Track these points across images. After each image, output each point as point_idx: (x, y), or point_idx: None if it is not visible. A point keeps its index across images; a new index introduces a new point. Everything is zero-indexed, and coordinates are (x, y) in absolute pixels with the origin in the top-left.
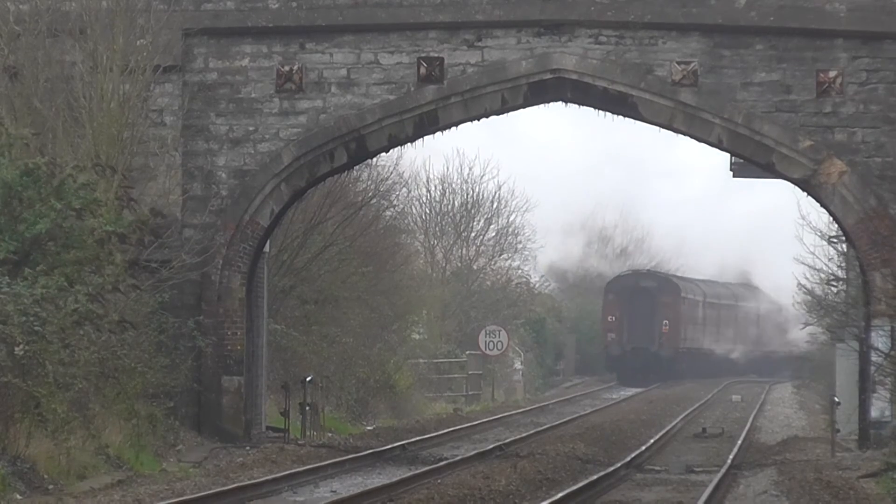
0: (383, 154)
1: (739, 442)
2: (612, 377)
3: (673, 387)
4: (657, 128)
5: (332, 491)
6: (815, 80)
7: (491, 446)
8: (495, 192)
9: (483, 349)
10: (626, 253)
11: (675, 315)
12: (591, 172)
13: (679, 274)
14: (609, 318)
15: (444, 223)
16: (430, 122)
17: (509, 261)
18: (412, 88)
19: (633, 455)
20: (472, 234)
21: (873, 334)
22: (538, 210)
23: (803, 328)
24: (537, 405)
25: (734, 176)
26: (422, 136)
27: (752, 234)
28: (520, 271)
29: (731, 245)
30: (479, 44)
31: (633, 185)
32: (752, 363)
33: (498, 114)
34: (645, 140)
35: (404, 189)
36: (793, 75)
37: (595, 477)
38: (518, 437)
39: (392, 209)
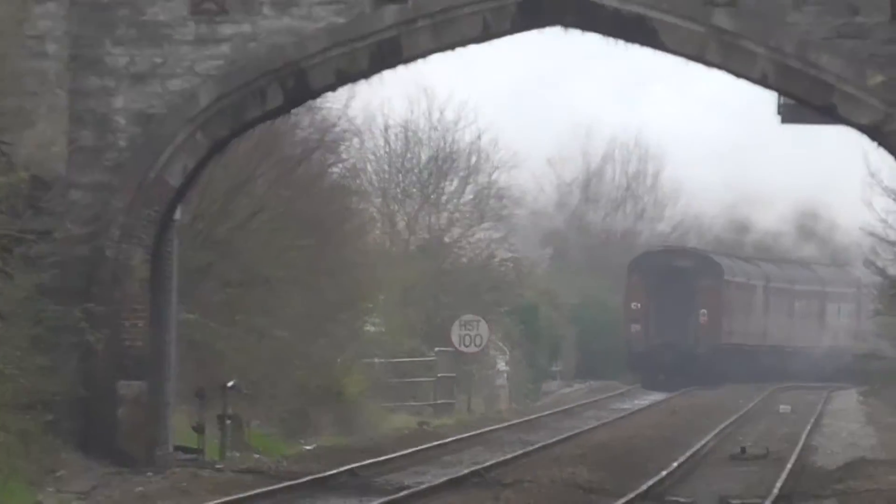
0: (330, 94)
1: (789, 466)
2: (626, 381)
3: (704, 393)
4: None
5: None
6: None
7: (466, 471)
8: (474, 143)
9: (457, 345)
10: (645, 216)
11: (717, 303)
12: (589, 112)
13: (723, 251)
14: (633, 305)
15: (407, 183)
16: (389, 54)
17: (491, 231)
18: (367, 10)
19: (650, 483)
20: (444, 198)
21: None
22: (528, 164)
23: (873, 318)
24: (526, 418)
25: (783, 121)
26: (379, 72)
27: (808, 194)
28: (506, 245)
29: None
30: None
31: (649, 130)
32: (817, 365)
33: (478, 42)
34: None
35: (356, 139)
36: None
37: None
38: (501, 459)
39: (341, 165)
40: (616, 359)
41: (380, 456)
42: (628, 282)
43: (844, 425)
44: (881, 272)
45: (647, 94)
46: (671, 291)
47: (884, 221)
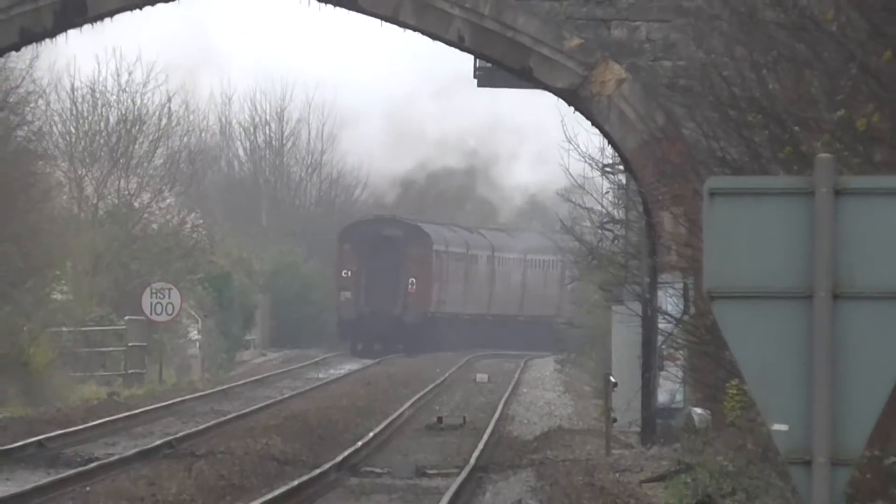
0: (13, 53)
1: (486, 436)
2: (323, 350)
3: (402, 362)
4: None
5: None
6: None
7: (158, 442)
8: (164, 106)
9: (148, 314)
10: (340, 182)
11: (426, 272)
12: (285, 74)
13: (443, 220)
14: (343, 272)
15: (95, 146)
16: (75, 12)
17: (183, 196)
18: None
19: (346, 453)
20: (134, 161)
21: (660, 293)
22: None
23: (570, 284)
24: (220, 387)
25: (479, 85)
26: (65, 30)
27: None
28: (198, 210)
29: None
30: None
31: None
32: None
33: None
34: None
35: (41, 100)
36: None
37: (296, 483)
38: (194, 430)
39: (26, 127)
40: (312, 327)
41: (68, 427)
42: (339, 249)
43: (541, 394)
44: (579, 238)
45: (345, 52)
46: (382, 260)
47: (580, 187)
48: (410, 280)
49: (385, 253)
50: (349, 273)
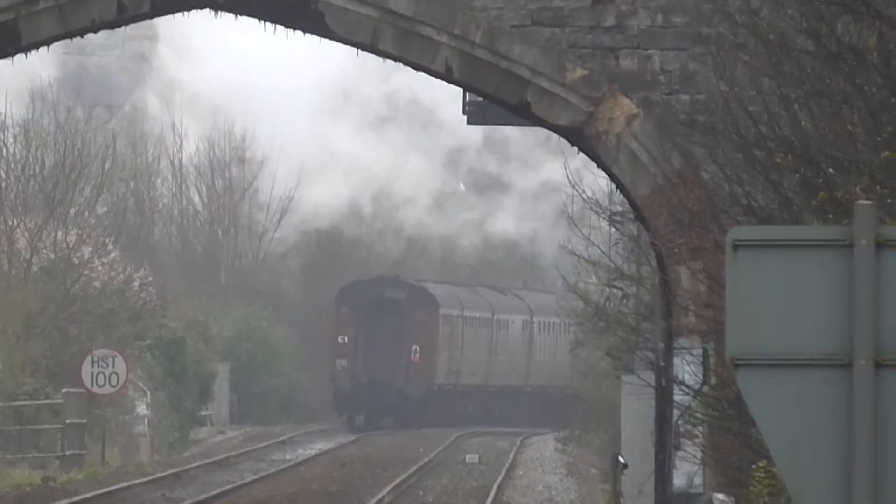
0: None
1: None
2: (290, 428)
3: (377, 442)
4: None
5: None
6: None
7: None
8: (108, 147)
9: (89, 385)
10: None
11: (431, 339)
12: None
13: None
14: (340, 338)
15: (28, 193)
16: (8, 40)
17: (129, 251)
18: None
19: None
20: (73, 210)
21: (676, 361)
22: None
23: (573, 350)
24: (172, 471)
25: (469, 122)
26: None
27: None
28: (146, 267)
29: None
30: None
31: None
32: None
33: (112, 26)
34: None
35: None
36: None
37: None
38: None
39: None
40: (279, 401)
41: None
42: (336, 312)
43: (540, 477)
44: (584, 297)
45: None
46: (382, 325)
47: (586, 238)
48: (414, 348)
49: (386, 317)
50: (346, 339)
